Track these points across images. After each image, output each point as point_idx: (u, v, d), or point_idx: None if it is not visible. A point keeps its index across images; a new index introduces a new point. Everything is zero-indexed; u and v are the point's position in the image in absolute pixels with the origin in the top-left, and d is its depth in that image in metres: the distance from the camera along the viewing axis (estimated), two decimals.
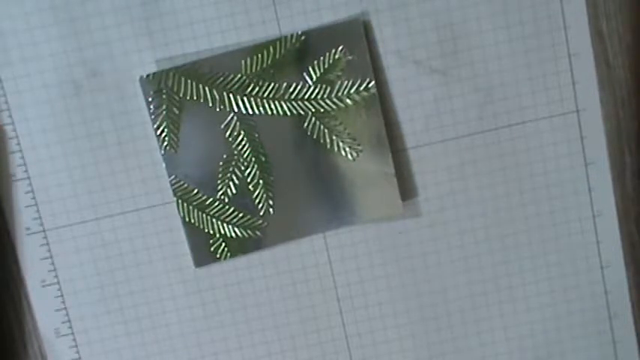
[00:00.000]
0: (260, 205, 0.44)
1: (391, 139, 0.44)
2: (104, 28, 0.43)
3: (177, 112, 0.43)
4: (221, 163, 0.44)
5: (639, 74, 0.45)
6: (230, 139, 0.43)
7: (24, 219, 0.44)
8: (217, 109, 0.43)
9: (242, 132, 0.43)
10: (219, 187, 0.44)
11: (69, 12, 0.42)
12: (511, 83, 0.44)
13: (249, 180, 0.44)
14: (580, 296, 0.47)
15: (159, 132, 0.43)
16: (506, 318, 0.46)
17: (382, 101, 0.44)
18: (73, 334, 0.45)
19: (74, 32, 0.42)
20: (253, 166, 0.44)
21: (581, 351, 0.47)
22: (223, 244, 0.44)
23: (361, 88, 0.43)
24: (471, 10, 0.44)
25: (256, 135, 0.43)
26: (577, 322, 0.47)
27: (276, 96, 0.43)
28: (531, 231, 0.46)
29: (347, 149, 0.44)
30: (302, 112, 0.43)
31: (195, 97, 0.43)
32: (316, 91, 0.43)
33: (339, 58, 0.43)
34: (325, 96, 0.43)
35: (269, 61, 0.43)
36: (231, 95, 0.43)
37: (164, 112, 0.43)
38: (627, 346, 0.47)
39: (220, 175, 0.44)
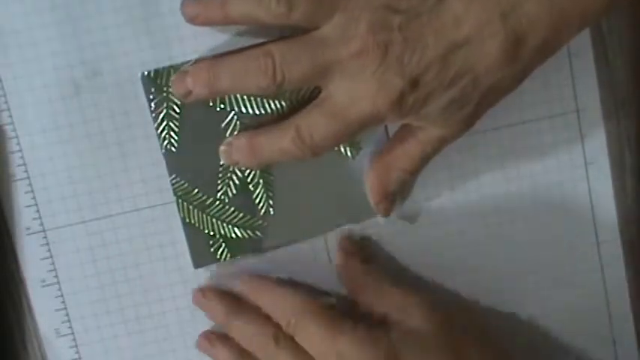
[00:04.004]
0: (260, 205, 0.44)
1: None
2: (104, 28, 0.42)
3: (177, 110, 0.43)
4: (221, 163, 0.44)
5: (639, 74, 0.45)
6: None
7: (24, 219, 0.44)
8: (217, 109, 0.43)
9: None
10: (220, 187, 0.44)
11: (69, 12, 0.42)
12: None
13: (249, 180, 0.44)
14: (580, 296, 0.47)
15: (159, 131, 0.43)
16: (506, 318, 0.46)
17: None
18: (73, 333, 0.45)
19: (74, 32, 0.42)
20: None
21: (580, 351, 0.47)
22: (223, 245, 0.44)
23: None
24: None
25: None
26: (577, 322, 0.47)
27: (277, 95, 0.43)
28: (531, 231, 0.46)
29: (347, 149, 0.44)
30: None
31: None
32: (316, 90, 0.43)
33: None
34: None
35: None
36: (231, 95, 0.43)
37: (165, 111, 0.43)
38: (627, 346, 0.47)
39: (220, 175, 0.44)
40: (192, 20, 0.40)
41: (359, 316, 0.42)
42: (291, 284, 0.45)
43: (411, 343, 0.41)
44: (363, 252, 0.45)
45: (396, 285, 0.43)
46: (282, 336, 0.42)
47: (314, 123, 0.39)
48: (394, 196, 0.43)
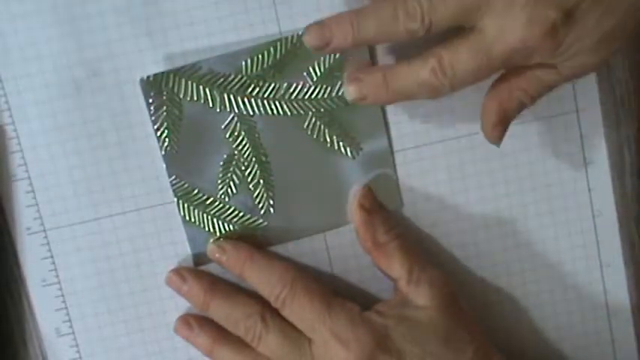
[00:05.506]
0: (260, 205, 0.44)
1: (391, 139, 0.44)
2: (104, 28, 0.42)
3: (177, 113, 0.43)
4: (221, 163, 0.44)
5: (639, 74, 0.45)
6: (230, 139, 0.43)
7: (24, 219, 0.44)
8: (218, 110, 0.43)
9: (242, 132, 0.43)
10: (220, 186, 0.44)
11: (69, 12, 0.42)
12: None
13: (249, 180, 0.44)
14: (579, 296, 0.47)
15: (159, 133, 0.43)
16: (506, 317, 0.47)
17: None
18: (73, 333, 0.45)
19: (74, 32, 0.42)
20: (254, 166, 0.44)
21: (580, 350, 0.47)
22: None
23: None
24: None
25: (257, 135, 0.44)
26: (576, 321, 0.47)
27: (277, 96, 0.43)
28: (531, 231, 0.46)
29: (347, 149, 0.44)
30: (302, 112, 0.44)
31: (195, 98, 0.43)
32: (317, 91, 0.43)
33: (339, 58, 0.43)
34: (325, 96, 0.43)
35: (269, 62, 0.43)
36: (231, 96, 0.43)
37: (164, 114, 0.43)
38: (626, 346, 0.47)
39: (221, 175, 0.44)
40: (321, 48, 0.39)
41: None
42: (278, 257, 0.44)
43: (404, 332, 0.40)
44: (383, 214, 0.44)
45: (414, 254, 0.43)
46: (269, 315, 0.42)
47: (457, 56, 0.38)
48: (509, 122, 0.40)
